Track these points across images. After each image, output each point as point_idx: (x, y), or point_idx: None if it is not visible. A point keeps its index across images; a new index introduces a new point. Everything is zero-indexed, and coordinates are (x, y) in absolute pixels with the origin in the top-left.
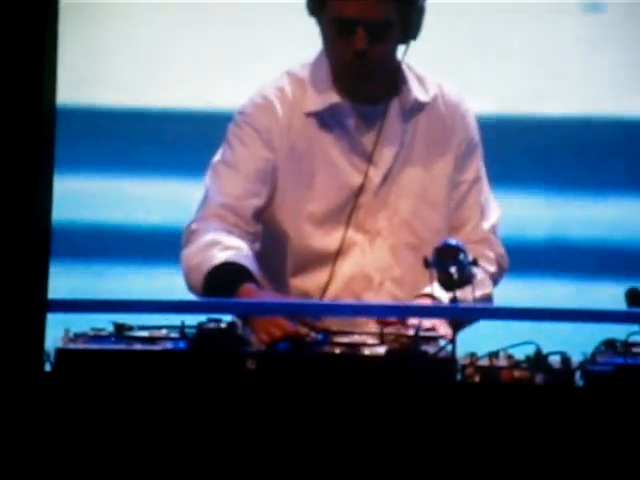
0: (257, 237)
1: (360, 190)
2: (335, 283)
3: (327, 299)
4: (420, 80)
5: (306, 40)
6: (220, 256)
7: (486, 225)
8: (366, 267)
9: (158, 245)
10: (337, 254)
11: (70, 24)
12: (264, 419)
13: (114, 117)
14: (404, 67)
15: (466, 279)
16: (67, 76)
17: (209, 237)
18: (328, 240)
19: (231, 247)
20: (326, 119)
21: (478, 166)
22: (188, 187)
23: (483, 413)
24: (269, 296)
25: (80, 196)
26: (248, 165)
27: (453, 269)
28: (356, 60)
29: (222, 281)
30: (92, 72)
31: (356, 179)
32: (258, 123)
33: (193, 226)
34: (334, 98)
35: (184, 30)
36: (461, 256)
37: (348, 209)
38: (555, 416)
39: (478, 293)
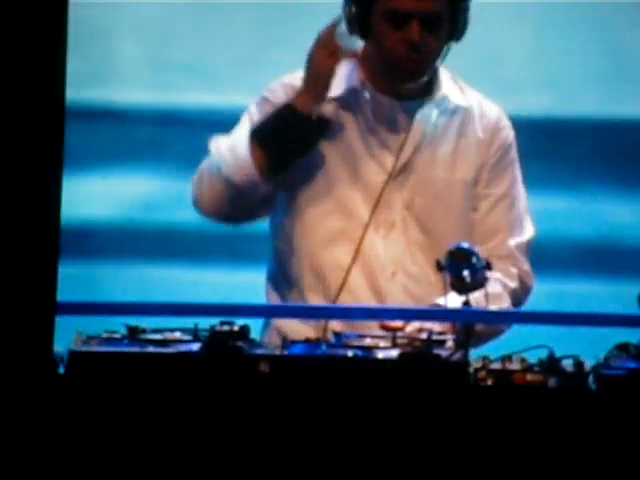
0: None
1: (379, 181)
2: (350, 271)
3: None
4: (461, 90)
5: None
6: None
7: (513, 242)
8: (378, 258)
9: (172, 246)
10: (349, 241)
11: (79, 23)
12: (277, 422)
13: (124, 115)
14: (447, 75)
15: (479, 283)
16: (77, 73)
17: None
18: (342, 230)
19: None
20: (348, 104)
21: (510, 182)
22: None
23: (496, 416)
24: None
25: (90, 197)
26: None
27: (466, 272)
28: (410, 53)
29: (268, 121)
30: (103, 70)
31: (374, 169)
32: (280, 99)
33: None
34: (354, 82)
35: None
36: (474, 259)
37: (361, 199)
38: (568, 420)
39: (495, 308)
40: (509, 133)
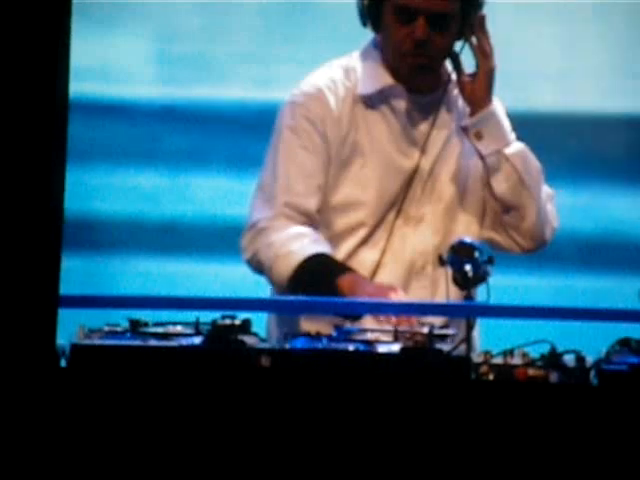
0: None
1: (412, 177)
2: (381, 267)
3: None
4: None
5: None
6: (314, 247)
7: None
8: (408, 252)
9: (175, 240)
10: (382, 240)
11: (82, 17)
12: (278, 416)
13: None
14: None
15: (481, 277)
16: (81, 67)
17: (295, 229)
18: (376, 226)
19: (320, 241)
20: (377, 103)
21: None
22: (204, 181)
23: (497, 411)
24: (370, 284)
25: (93, 190)
26: (308, 159)
27: (468, 267)
28: (415, 49)
29: (321, 269)
30: (107, 64)
31: (406, 164)
32: (312, 113)
33: (261, 224)
34: (388, 80)
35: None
36: (476, 254)
37: (396, 194)
38: (569, 415)
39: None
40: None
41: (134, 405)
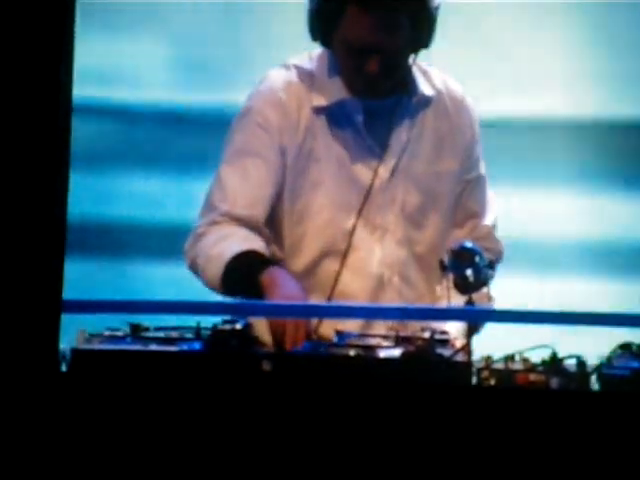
0: (268, 240)
1: (370, 186)
2: (345, 279)
3: (338, 295)
4: (425, 74)
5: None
6: (240, 245)
7: (489, 221)
8: (375, 263)
9: (177, 244)
10: (346, 251)
11: (87, 20)
12: (279, 420)
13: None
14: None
15: (482, 282)
16: (84, 71)
17: (226, 230)
18: (339, 236)
19: (250, 238)
20: (334, 114)
21: (481, 161)
22: (201, 184)
23: (498, 416)
24: (291, 283)
25: (96, 195)
26: (257, 169)
27: (469, 272)
28: (367, 79)
29: (245, 267)
30: (110, 68)
31: (365, 174)
32: (267, 121)
33: (199, 230)
34: (343, 93)
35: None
36: (477, 259)
37: (357, 205)
38: (570, 420)
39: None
40: (474, 109)
41: (134, 410)
